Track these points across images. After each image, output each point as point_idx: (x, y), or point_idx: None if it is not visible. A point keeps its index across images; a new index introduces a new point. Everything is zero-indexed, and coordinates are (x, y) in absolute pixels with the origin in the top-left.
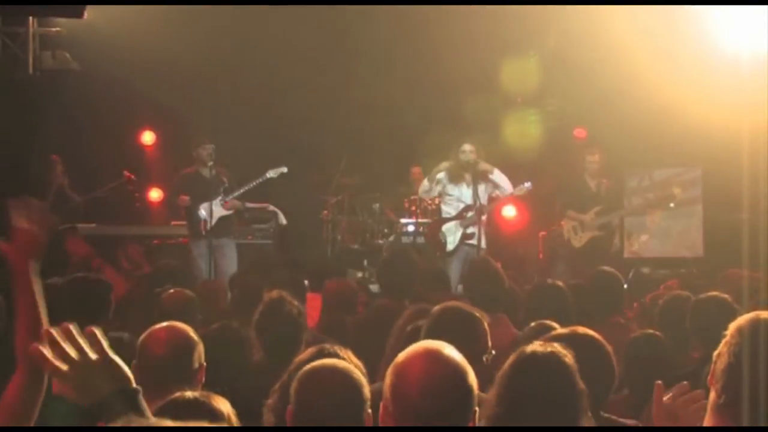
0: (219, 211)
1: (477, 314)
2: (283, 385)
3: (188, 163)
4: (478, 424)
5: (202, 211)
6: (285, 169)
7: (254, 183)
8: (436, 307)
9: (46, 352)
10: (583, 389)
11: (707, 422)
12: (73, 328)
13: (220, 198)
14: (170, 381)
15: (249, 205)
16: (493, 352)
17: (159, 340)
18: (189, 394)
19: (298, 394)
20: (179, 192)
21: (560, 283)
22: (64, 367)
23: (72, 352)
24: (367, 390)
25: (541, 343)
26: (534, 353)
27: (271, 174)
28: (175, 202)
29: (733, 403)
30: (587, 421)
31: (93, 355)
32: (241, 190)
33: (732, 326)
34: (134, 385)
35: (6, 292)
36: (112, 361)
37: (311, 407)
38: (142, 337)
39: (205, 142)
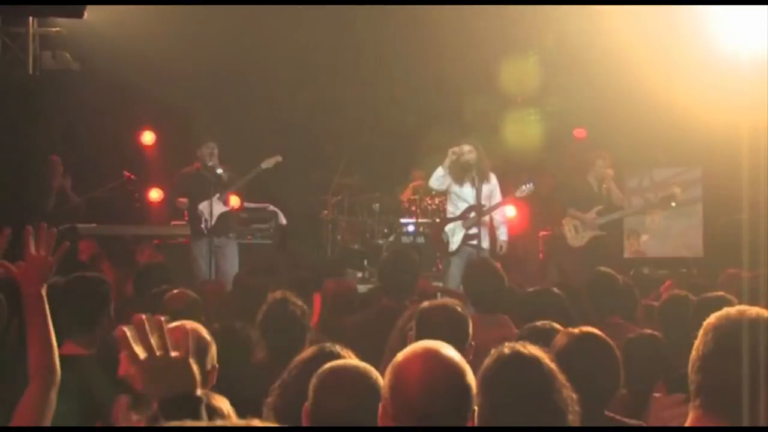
0: (219, 208)
1: (458, 308)
2: (283, 383)
3: (188, 162)
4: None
5: (203, 210)
6: (279, 158)
7: (250, 176)
8: (421, 306)
9: (130, 335)
10: (561, 384)
11: (688, 423)
12: (164, 322)
13: (218, 195)
14: None
15: (249, 205)
16: (473, 343)
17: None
18: None
19: (318, 392)
20: (179, 192)
21: (555, 290)
22: (142, 355)
23: (156, 345)
24: None
25: (510, 345)
26: (506, 354)
27: (265, 165)
28: (174, 203)
29: (707, 402)
30: (577, 418)
31: (174, 353)
32: (239, 184)
33: (704, 325)
34: (199, 392)
35: (16, 310)
36: (188, 363)
37: (331, 407)
38: None
39: (207, 140)
